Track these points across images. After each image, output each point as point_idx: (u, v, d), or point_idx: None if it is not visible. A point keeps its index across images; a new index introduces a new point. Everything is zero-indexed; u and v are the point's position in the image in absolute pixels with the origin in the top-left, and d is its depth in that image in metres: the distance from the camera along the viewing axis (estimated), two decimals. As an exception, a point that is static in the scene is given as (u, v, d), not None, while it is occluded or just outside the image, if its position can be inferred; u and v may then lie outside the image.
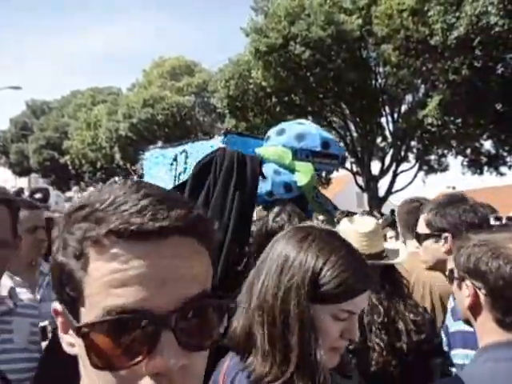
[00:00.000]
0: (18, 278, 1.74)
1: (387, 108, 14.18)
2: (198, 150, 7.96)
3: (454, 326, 1.25)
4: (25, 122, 31.45)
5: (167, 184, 9.53)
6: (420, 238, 1.45)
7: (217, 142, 7.37)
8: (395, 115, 13.99)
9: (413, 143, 14.49)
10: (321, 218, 5.20)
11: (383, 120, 14.41)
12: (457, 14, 11.43)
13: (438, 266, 1.41)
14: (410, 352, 1.25)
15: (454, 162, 15.60)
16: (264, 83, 13.90)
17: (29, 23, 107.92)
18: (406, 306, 1.33)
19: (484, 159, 13.70)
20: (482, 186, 15.87)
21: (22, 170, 31.89)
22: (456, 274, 0.92)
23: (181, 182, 7.42)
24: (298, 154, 7.03)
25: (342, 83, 13.41)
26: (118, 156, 21.21)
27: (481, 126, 12.38)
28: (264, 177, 3.96)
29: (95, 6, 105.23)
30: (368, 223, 1.47)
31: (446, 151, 14.43)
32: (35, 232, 1.76)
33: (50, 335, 1.54)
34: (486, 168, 13.73)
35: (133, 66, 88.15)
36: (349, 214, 5.09)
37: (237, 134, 7.73)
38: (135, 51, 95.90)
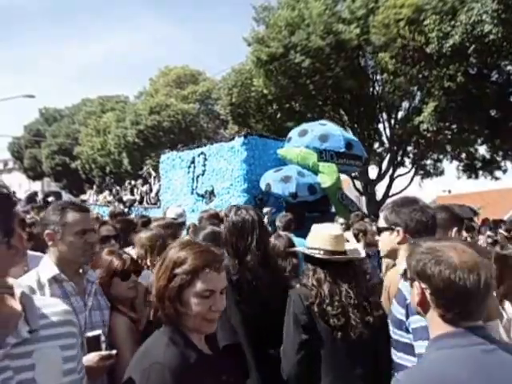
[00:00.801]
0: (70, 284, 1.59)
1: (384, 114, 14.44)
2: (217, 152, 7.31)
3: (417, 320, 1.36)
4: (38, 128, 32.43)
5: (184, 186, 9.40)
6: (379, 231, 1.76)
7: (237, 144, 7.22)
8: (392, 121, 14.24)
9: (409, 148, 14.73)
10: (341, 221, 5.08)
11: (380, 126, 14.76)
12: (452, 22, 11.66)
13: (392, 254, 1.71)
14: (375, 324, 1.61)
15: (450, 166, 15.70)
16: (265, 91, 14.30)
17: (42, 34, 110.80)
18: (367, 290, 1.68)
19: (479, 164, 13.82)
20: (476, 189, 15.96)
21: (35, 174, 32.84)
22: (408, 275, 1.08)
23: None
24: (323, 155, 6.47)
25: (341, 91, 13.73)
26: (126, 161, 21.80)
27: (475, 131, 12.55)
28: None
29: (105, 18, 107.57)
30: (336, 229, 1.84)
31: (441, 156, 14.59)
32: (84, 235, 1.60)
33: (103, 345, 1.42)
34: (480, 172, 13.86)
35: (140, 75, 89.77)
36: (363, 218, 5.16)
37: (258, 135, 7.61)
38: (142, 61, 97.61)
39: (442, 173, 15.26)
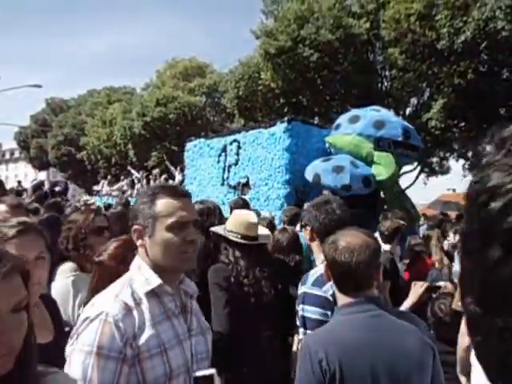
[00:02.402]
0: (173, 299, 1.15)
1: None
2: (254, 139, 6.65)
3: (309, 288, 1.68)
4: (44, 118, 32.55)
5: (213, 177, 8.77)
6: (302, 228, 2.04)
7: (279, 130, 6.19)
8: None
9: (417, 146, 14.56)
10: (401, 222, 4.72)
11: (389, 122, 14.54)
12: (464, 18, 11.51)
13: (310, 248, 2.01)
14: (282, 292, 2.06)
15: (456, 164, 15.56)
16: (273, 84, 14.22)
17: (50, 25, 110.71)
18: (275, 265, 2.12)
19: (486, 163, 13.67)
20: (483, 189, 15.74)
21: (41, 164, 33.04)
22: (324, 259, 1.37)
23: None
24: (381, 143, 5.75)
25: (349, 86, 13.63)
26: (131, 153, 21.85)
27: (484, 130, 12.45)
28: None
29: (112, 9, 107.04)
30: (253, 216, 2.09)
31: (447, 154, 14.48)
32: (182, 231, 1.16)
33: None
34: (489, 171, 13.68)
35: (147, 66, 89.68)
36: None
37: (301, 121, 6.86)
38: (149, 52, 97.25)
39: (447, 171, 15.14)
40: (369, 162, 5.74)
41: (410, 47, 12.35)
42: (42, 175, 33.04)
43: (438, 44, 11.76)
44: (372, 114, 6.17)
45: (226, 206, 5.98)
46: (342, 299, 1.27)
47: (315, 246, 1.78)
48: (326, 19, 13.21)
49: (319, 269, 1.63)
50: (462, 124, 12.61)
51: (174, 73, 23.30)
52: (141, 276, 1.12)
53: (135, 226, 1.15)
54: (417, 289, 2.27)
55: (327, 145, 6.38)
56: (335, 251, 1.25)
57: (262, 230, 2.09)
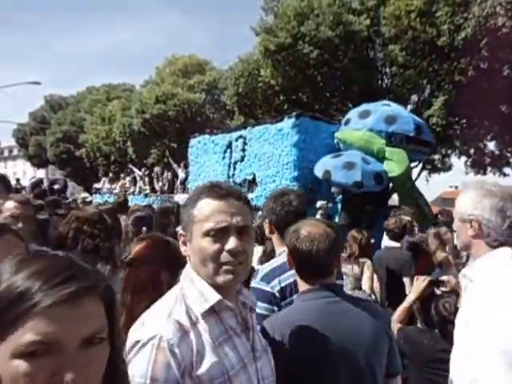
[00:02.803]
0: (234, 314, 0.99)
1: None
2: (260, 135, 6.45)
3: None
4: (43, 116, 32.40)
5: (218, 174, 7.41)
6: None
7: (286, 126, 5.98)
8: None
9: (418, 143, 14.55)
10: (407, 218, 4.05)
11: (389, 119, 14.52)
12: (465, 15, 11.48)
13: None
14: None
15: (458, 161, 15.56)
16: (272, 81, 14.17)
17: (49, 22, 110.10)
18: None
19: (487, 160, 13.71)
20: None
21: (39, 161, 32.94)
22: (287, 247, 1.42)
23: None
24: (393, 139, 5.58)
25: (349, 83, 13.59)
26: (130, 150, 21.79)
27: (485, 126, 12.42)
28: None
29: (111, 6, 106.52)
30: None
31: (449, 151, 14.47)
32: (218, 238, 0.99)
33: None
34: (489, 168, 13.74)
35: (146, 63, 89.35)
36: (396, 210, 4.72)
37: (309, 116, 6.37)
38: (148, 49, 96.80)
39: (449, 168, 15.13)
40: (380, 158, 5.59)
41: (411, 44, 12.32)
42: (41, 173, 32.97)
43: (439, 41, 11.73)
44: (383, 108, 6.02)
45: (231, 204, 6.20)
46: (303, 286, 1.33)
47: (275, 238, 1.78)
48: (325, 16, 13.15)
49: (270, 264, 1.65)
50: (464, 121, 12.59)
51: (173, 70, 23.19)
52: (194, 289, 0.94)
53: (180, 231, 1.01)
54: (419, 283, 2.26)
55: (336, 140, 6.21)
56: (297, 240, 1.30)
57: None
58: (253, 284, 1.60)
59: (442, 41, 11.63)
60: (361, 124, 5.81)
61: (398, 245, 3.77)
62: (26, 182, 15.74)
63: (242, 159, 6.67)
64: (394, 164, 5.43)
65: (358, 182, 5.30)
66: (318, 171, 5.68)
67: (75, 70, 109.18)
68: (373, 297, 3.09)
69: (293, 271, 1.40)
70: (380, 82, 14.10)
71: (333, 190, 5.60)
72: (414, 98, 13.82)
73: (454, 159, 15.30)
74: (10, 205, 1.81)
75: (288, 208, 1.72)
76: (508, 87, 11.42)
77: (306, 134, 5.96)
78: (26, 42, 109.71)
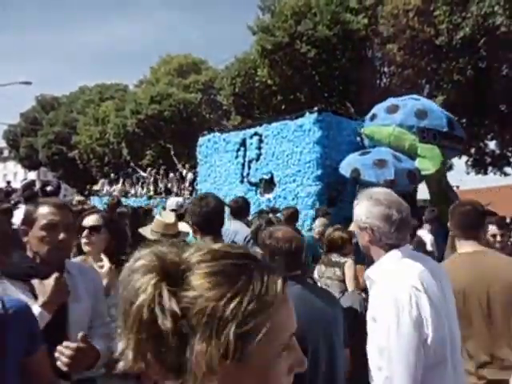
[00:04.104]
0: None
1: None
2: (278, 132, 6.03)
3: None
4: (35, 116, 31.90)
5: (231, 173, 6.93)
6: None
7: (308, 122, 5.61)
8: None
9: (417, 143, 14.50)
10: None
11: (388, 119, 14.46)
12: (463, 14, 11.44)
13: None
14: None
15: (458, 161, 15.56)
16: (270, 81, 14.03)
17: (40, 20, 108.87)
18: None
19: (488, 159, 13.70)
20: (485, 185, 15.86)
21: (31, 163, 32.40)
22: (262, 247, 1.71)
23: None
24: (425, 134, 5.13)
25: (347, 82, 13.50)
26: (125, 151, 21.49)
27: (485, 126, 12.41)
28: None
29: (104, 4, 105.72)
30: (171, 218, 2.50)
31: (449, 151, 14.48)
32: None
33: None
34: (490, 168, 13.73)
35: (140, 63, 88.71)
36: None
37: (332, 112, 6.08)
38: (142, 48, 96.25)
39: (450, 168, 15.11)
40: (412, 155, 5.19)
41: (409, 43, 12.25)
42: (33, 175, 32.41)
43: (437, 40, 11.68)
44: (412, 102, 5.65)
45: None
46: None
47: (199, 239, 1.95)
48: (323, 15, 13.05)
49: None
50: (463, 120, 12.57)
51: (168, 69, 22.95)
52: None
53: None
54: None
55: (358, 138, 5.88)
56: (269, 239, 1.64)
57: (184, 228, 2.48)
58: None
59: (441, 40, 11.58)
60: (389, 119, 5.44)
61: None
62: (17, 184, 15.35)
63: (258, 158, 6.30)
64: (428, 161, 5.06)
65: (391, 180, 4.90)
66: (345, 170, 5.35)
67: (67, 69, 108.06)
68: (363, 295, 2.76)
69: None
70: (378, 81, 14.03)
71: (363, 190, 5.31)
72: (413, 97, 13.78)
73: (454, 159, 15.31)
74: (44, 210, 1.52)
75: (207, 209, 1.91)
76: (507, 86, 11.41)
77: (328, 130, 5.62)
78: (16, 41, 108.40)
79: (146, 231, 2.36)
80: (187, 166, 11.88)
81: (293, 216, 4.05)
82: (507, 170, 13.65)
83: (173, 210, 3.80)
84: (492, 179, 14.24)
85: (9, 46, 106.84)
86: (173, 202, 4.87)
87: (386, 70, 13.72)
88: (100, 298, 1.55)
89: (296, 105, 14.25)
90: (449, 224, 2.04)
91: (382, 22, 12.66)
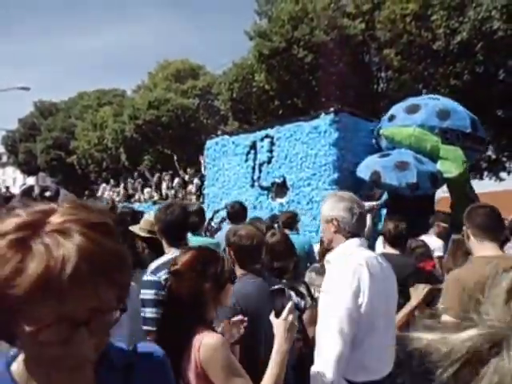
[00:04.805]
0: None
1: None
2: (291, 133, 5.80)
3: None
4: (33, 122, 31.87)
5: (240, 177, 6.75)
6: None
7: (324, 123, 5.36)
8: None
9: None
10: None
11: (385, 124, 14.42)
12: (460, 18, 11.44)
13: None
14: None
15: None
16: (267, 86, 14.01)
17: (37, 27, 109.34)
18: None
19: (484, 164, 13.65)
20: (480, 190, 15.76)
21: (29, 169, 32.33)
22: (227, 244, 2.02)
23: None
24: (448, 135, 4.88)
25: (344, 87, 13.47)
26: (123, 157, 21.44)
27: (482, 131, 12.37)
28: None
29: (101, 9, 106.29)
30: (151, 216, 2.60)
31: (446, 156, 14.42)
32: None
33: None
34: (485, 173, 13.67)
35: (137, 68, 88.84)
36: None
37: (348, 112, 5.70)
38: (140, 54, 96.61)
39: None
40: (433, 157, 4.93)
41: (406, 48, 12.25)
42: (31, 180, 32.32)
43: (434, 45, 11.67)
44: (433, 102, 5.38)
45: (257, 211, 5.57)
46: (239, 271, 1.84)
47: (164, 242, 2.18)
48: (320, 20, 13.05)
49: (159, 260, 2.05)
50: (460, 125, 12.55)
51: (166, 74, 22.96)
52: None
53: None
54: (419, 291, 2.21)
55: (374, 140, 5.65)
56: (233, 236, 1.87)
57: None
58: (144, 277, 1.98)
59: (438, 45, 11.58)
60: (409, 119, 5.14)
61: (395, 251, 3.51)
62: (15, 190, 15.25)
63: (270, 161, 6.08)
64: (451, 163, 4.79)
65: (414, 183, 4.66)
66: (364, 173, 5.09)
67: (65, 75, 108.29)
68: None
69: None
70: (375, 86, 14.01)
71: (375, 191, 4.99)
72: (410, 102, 13.75)
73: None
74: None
75: (171, 217, 2.14)
76: (503, 92, 11.38)
77: (345, 131, 5.38)
78: (14, 46, 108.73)
79: (135, 228, 2.55)
80: (189, 171, 11.79)
81: (294, 221, 3.96)
82: (503, 175, 13.59)
83: None
84: (488, 184, 14.15)
85: (7, 51, 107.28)
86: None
87: (383, 74, 13.71)
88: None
89: (293, 110, 14.23)
90: (465, 227, 1.92)
91: (379, 26, 12.66)
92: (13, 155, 34.10)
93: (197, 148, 18.30)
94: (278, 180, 5.95)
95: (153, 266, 2.03)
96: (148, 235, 2.47)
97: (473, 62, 11.50)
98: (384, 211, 5.02)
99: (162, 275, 1.88)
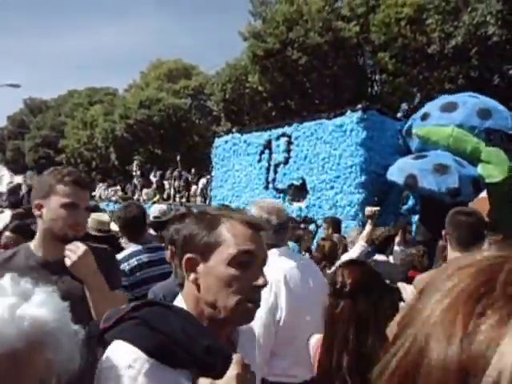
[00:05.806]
0: None
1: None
2: (312, 132, 5.32)
3: None
4: (22, 119, 31.31)
5: (253, 178, 6.27)
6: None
7: (350, 121, 4.93)
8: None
9: (408, 151, 14.44)
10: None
11: (379, 127, 14.37)
12: (455, 23, 11.39)
13: None
14: None
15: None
16: (260, 88, 13.85)
17: (28, 23, 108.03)
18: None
19: (479, 170, 13.67)
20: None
21: (17, 167, 31.69)
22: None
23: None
24: (492, 137, 4.43)
25: (338, 90, 13.35)
26: (113, 156, 21.06)
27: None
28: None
29: (94, 8, 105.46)
30: (105, 216, 2.84)
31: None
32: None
33: None
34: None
35: (129, 67, 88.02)
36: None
37: (376, 110, 5.25)
38: (132, 53, 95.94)
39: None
40: (474, 159, 4.49)
41: (401, 51, 12.18)
42: (19, 179, 31.66)
43: (429, 49, 11.62)
44: (473, 100, 4.87)
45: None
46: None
47: (125, 238, 2.37)
48: (315, 22, 12.93)
49: (122, 254, 2.16)
50: (454, 130, 12.52)
51: (158, 74, 22.66)
52: None
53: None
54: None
55: (400, 140, 5.25)
56: (176, 235, 1.79)
57: (114, 227, 2.80)
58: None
59: (433, 49, 11.52)
60: (446, 118, 4.69)
61: (384, 258, 3.36)
62: (3, 188, 14.81)
63: (287, 161, 5.65)
64: (493, 167, 4.33)
65: (455, 188, 4.19)
66: (396, 176, 4.60)
67: (56, 73, 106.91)
68: None
69: (136, 258, 2.11)
70: (370, 89, 13.91)
71: (404, 195, 4.61)
72: (404, 105, 13.69)
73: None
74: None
75: (129, 216, 2.27)
76: (499, 96, 11.33)
77: (373, 131, 4.99)
78: (4, 43, 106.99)
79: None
80: (190, 172, 11.58)
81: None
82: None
83: (156, 217, 3.56)
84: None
85: None
86: (156, 208, 4.56)
87: (377, 77, 13.62)
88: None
89: (286, 112, 14.07)
90: (444, 230, 1.82)
91: (373, 30, 12.57)
92: (1, 153, 33.43)
93: (188, 148, 18.07)
94: (295, 182, 5.56)
95: (119, 256, 2.12)
96: (99, 234, 2.59)
97: (467, 66, 11.46)
98: (415, 217, 4.68)
99: (125, 266, 2.06)
